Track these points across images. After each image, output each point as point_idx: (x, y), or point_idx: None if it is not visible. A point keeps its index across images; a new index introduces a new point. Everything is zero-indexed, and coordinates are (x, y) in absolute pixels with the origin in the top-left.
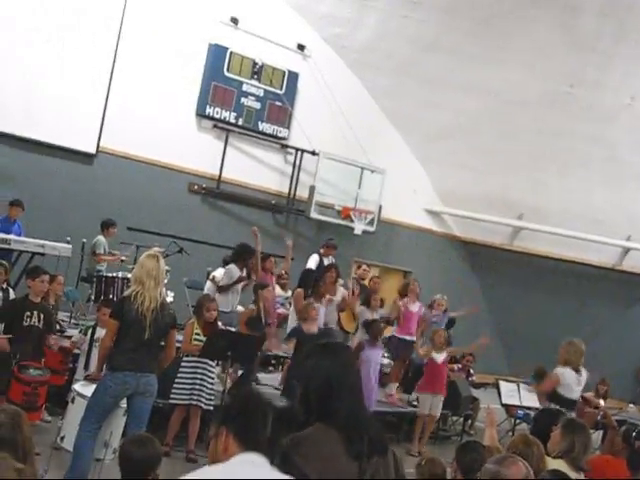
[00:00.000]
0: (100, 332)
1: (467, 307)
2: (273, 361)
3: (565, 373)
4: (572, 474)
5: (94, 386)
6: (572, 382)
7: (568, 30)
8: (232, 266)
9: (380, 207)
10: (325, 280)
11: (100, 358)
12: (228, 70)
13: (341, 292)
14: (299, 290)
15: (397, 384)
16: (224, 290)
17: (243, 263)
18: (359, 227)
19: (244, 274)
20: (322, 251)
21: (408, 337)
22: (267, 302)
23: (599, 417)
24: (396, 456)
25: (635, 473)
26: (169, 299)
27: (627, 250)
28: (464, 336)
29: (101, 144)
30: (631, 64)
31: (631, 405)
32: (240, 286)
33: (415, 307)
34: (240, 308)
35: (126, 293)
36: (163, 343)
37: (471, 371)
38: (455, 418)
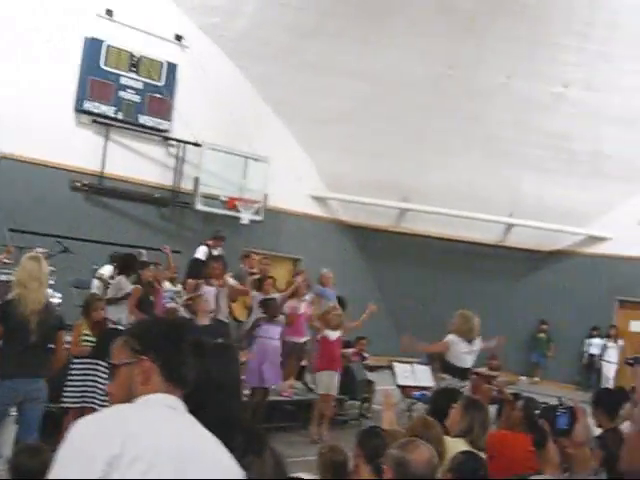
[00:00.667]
0: None
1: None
2: None
3: (456, 341)
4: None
5: None
6: (463, 351)
7: (446, 11)
8: (121, 278)
9: (266, 196)
10: (211, 271)
11: None
12: (105, 64)
13: (229, 283)
14: (190, 280)
15: (291, 381)
16: (113, 302)
17: (131, 274)
18: (246, 217)
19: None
20: (210, 243)
21: (297, 339)
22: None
23: (494, 392)
24: (277, 455)
25: (540, 451)
26: (56, 300)
27: (510, 226)
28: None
29: None
30: (506, 43)
31: (522, 377)
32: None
33: (302, 307)
34: None
35: (9, 297)
36: (52, 346)
37: (365, 355)
38: (352, 402)
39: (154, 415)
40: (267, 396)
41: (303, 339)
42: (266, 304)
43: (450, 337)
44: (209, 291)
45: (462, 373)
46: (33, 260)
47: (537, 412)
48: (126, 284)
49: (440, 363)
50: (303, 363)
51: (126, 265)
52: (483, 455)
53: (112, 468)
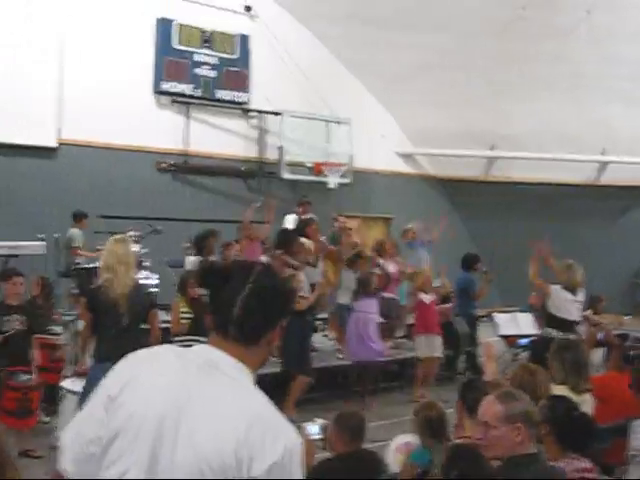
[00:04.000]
0: (82, 325)
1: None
2: None
3: (559, 291)
4: (575, 397)
5: (83, 381)
6: (566, 302)
7: None
8: (196, 259)
9: (351, 157)
10: (309, 235)
11: (81, 350)
12: (178, 43)
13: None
14: (277, 252)
15: (389, 342)
16: None
17: (207, 251)
18: (333, 181)
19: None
20: (299, 210)
21: (392, 296)
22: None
23: (600, 336)
24: None
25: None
26: (154, 282)
27: (604, 164)
28: (454, 272)
29: (61, 136)
30: None
31: (626, 317)
32: None
33: (392, 267)
34: None
35: (99, 282)
36: (146, 326)
37: None
38: (456, 357)
39: (168, 367)
40: (372, 369)
41: (396, 296)
42: (363, 281)
43: (553, 287)
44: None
45: (568, 326)
46: (119, 243)
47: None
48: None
49: (544, 316)
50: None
51: (198, 245)
52: (588, 397)
53: (108, 407)
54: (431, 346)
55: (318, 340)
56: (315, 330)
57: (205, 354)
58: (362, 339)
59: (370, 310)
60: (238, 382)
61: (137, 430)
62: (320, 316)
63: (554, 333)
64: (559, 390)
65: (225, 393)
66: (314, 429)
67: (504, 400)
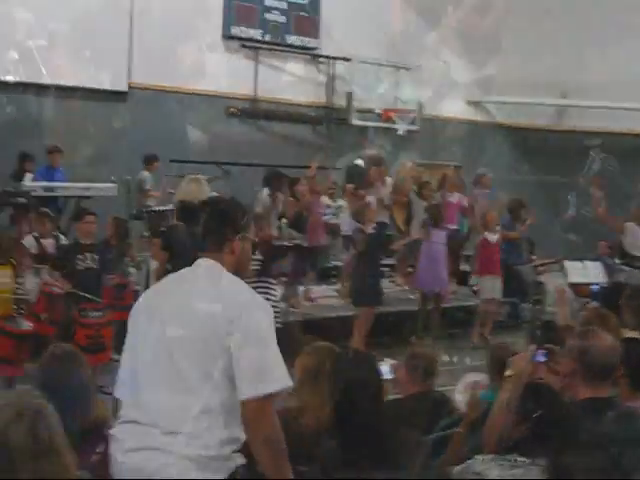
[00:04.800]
0: (154, 265)
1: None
2: (334, 272)
3: (635, 229)
4: None
5: None
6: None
7: None
8: (264, 192)
9: (420, 104)
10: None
11: None
12: None
13: (389, 183)
14: (349, 186)
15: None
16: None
17: (275, 189)
18: (402, 127)
19: (279, 199)
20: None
21: (450, 226)
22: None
23: None
24: None
25: None
26: None
27: None
28: None
29: (132, 80)
30: None
31: None
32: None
33: (453, 198)
34: None
35: (174, 222)
36: None
37: (532, 257)
38: (523, 305)
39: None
40: (440, 301)
41: (455, 226)
42: (431, 210)
43: (629, 224)
44: (371, 200)
45: (637, 260)
46: (194, 182)
47: None
48: (266, 199)
49: (619, 254)
50: (466, 268)
51: (268, 180)
52: None
53: None
54: (494, 288)
55: (385, 285)
56: (382, 275)
57: (197, 264)
58: (431, 269)
59: (439, 241)
60: (213, 275)
61: (143, 341)
62: (386, 262)
63: (628, 272)
64: (632, 335)
65: (203, 287)
66: (385, 369)
67: (575, 335)
